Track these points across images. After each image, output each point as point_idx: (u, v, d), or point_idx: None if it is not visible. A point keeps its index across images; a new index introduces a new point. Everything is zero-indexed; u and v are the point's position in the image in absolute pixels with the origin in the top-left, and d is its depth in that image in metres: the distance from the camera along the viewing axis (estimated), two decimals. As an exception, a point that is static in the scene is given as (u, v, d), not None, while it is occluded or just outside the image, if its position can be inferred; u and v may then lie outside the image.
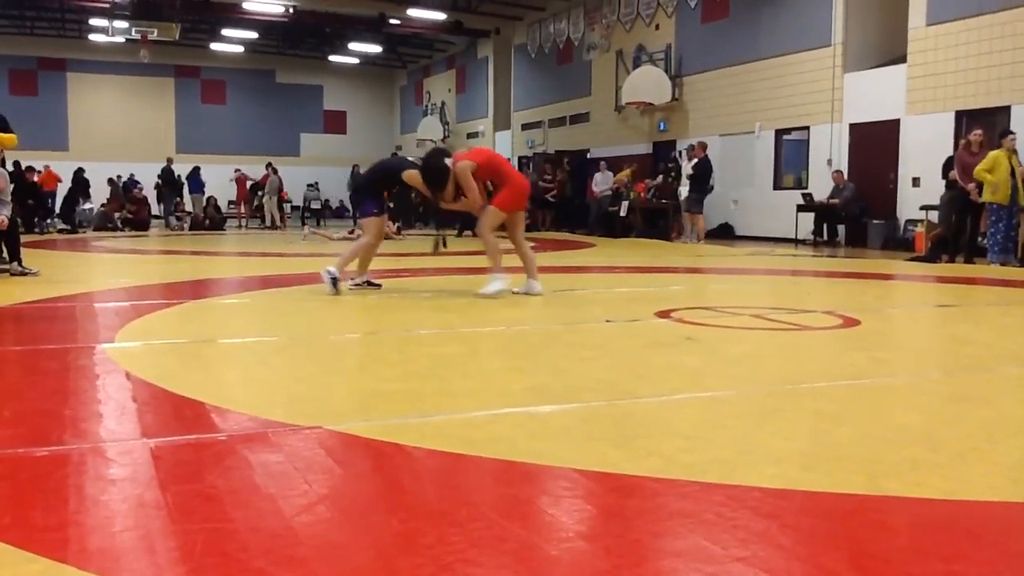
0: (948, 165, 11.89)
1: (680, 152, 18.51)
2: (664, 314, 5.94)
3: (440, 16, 24.93)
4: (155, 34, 24.33)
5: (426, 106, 32.13)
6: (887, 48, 15.25)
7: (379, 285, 7.36)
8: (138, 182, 23.78)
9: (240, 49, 30.92)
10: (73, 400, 3.40)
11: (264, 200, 23.98)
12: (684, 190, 16.73)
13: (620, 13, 21.25)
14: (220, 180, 25.42)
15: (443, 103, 31.08)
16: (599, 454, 2.65)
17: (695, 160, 16.48)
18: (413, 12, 24.30)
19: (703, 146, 16.63)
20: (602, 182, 19.30)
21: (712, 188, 16.51)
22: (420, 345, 4.80)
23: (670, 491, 2.34)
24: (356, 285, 7.25)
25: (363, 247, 7.23)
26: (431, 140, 30.96)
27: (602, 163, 19.65)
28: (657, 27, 20.17)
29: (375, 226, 7.14)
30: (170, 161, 23.69)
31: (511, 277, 6.90)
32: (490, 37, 27.17)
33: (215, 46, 30.20)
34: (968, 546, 2.00)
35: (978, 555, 1.94)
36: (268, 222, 23.52)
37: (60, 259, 11.53)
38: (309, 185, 29.90)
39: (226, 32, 27.97)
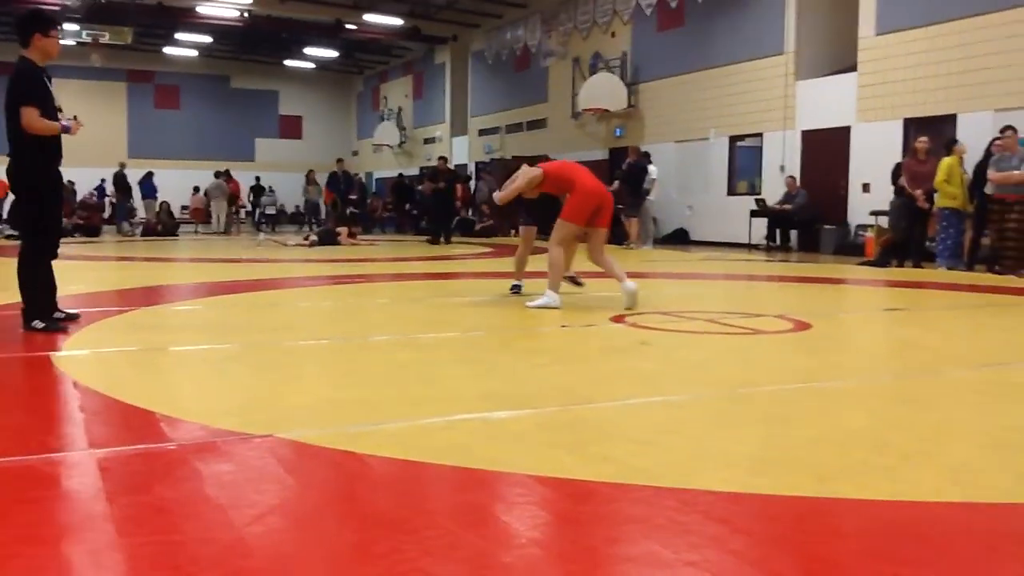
0: (897, 172, 12.11)
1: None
2: (619, 319, 5.98)
3: (398, 22, 24.88)
4: (107, 38, 23.96)
5: (383, 111, 32.03)
6: (838, 57, 15.52)
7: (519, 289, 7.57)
8: (104, 188, 23.38)
9: (194, 54, 30.58)
10: (18, 411, 3.33)
11: (211, 205, 23.84)
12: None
13: (577, 20, 21.37)
14: (172, 185, 25.02)
15: (400, 109, 31.02)
16: (554, 460, 2.66)
17: (627, 163, 16.48)
18: (370, 18, 24.22)
19: (635, 149, 16.65)
20: None
21: (648, 192, 16.29)
22: (375, 352, 4.78)
23: (623, 496, 2.35)
24: (515, 288, 7.56)
25: (519, 255, 7.79)
26: (387, 145, 30.90)
27: None
28: (613, 35, 20.33)
29: (527, 233, 7.90)
30: (123, 166, 23.33)
31: (562, 301, 6.58)
32: (448, 43, 27.16)
33: (169, 51, 29.84)
34: (915, 547, 2.03)
35: (924, 556, 1.98)
36: (216, 226, 23.38)
37: (5, 266, 11.25)
38: (264, 191, 29.64)
39: (180, 36, 27.64)
